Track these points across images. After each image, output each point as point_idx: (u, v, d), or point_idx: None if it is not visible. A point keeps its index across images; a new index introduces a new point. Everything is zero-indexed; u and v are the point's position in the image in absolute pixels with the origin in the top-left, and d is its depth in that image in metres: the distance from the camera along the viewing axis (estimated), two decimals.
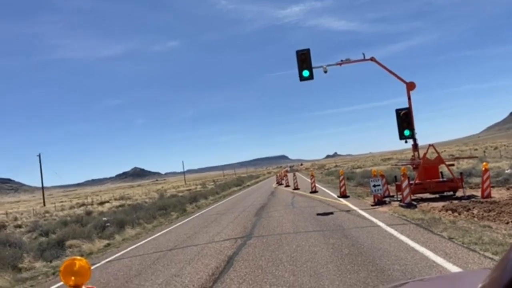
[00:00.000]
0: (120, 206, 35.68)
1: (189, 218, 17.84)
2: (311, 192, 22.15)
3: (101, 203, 50.99)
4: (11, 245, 14.92)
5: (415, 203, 12.79)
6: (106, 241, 14.44)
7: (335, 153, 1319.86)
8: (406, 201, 12.65)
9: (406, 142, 14.98)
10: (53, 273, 9.47)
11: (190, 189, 56.36)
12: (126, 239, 14.11)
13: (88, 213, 33.03)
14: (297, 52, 14.95)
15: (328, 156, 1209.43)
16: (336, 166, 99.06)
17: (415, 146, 15.07)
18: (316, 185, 24.28)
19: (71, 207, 51.26)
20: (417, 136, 14.98)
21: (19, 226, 30.94)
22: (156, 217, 20.14)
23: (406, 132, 14.81)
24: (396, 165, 32.55)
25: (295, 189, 27.11)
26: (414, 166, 15.21)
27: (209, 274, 6.62)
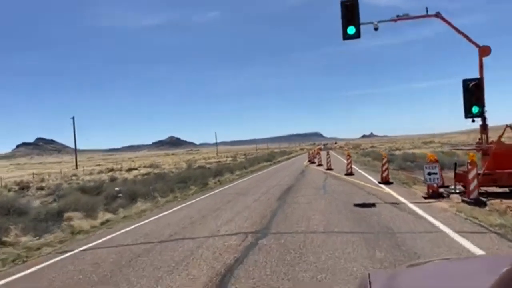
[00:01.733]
0: (146, 174, 34.48)
1: (204, 196, 15.78)
2: (346, 174, 19.47)
3: (129, 170, 50.50)
4: (14, 211, 13.57)
5: (483, 199, 9.96)
6: (108, 216, 12.65)
7: (371, 133, 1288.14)
8: (472, 196, 9.83)
9: (473, 121, 11.92)
10: (25, 259, 7.53)
11: (219, 161, 54.79)
12: (129, 216, 12.21)
13: (113, 180, 32.03)
14: (342, 2, 12.04)
15: (364, 136, 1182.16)
16: (372, 146, 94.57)
17: (484, 127, 12.01)
18: (353, 166, 21.55)
19: (100, 172, 51.14)
20: (487, 115, 11.94)
21: (42, 188, 30.36)
22: (174, 190, 18.30)
23: (475, 109, 11.71)
24: (456, 149, 28.87)
25: (328, 169, 24.52)
26: (481, 151, 12.18)
27: None
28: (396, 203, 10.13)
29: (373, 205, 10.06)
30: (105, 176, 39.81)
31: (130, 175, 35.08)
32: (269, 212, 9.98)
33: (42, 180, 38.69)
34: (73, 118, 62.15)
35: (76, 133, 63.40)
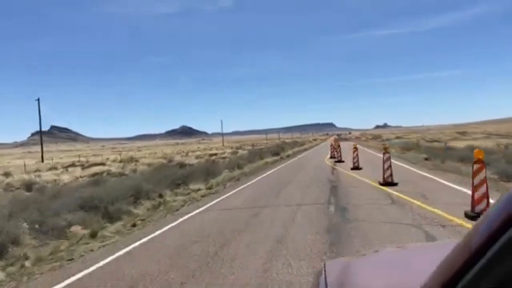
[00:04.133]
0: (90, 175, 23.79)
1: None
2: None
3: (84, 166, 40.14)
4: None
5: None
6: None
7: (385, 123, 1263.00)
8: None
9: None
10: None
11: (214, 154, 44.01)
12: None
13: (28, 187, 20.84)
14: None
15: (377, 127, 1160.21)
16: (398, 137, 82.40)
17: None
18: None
19: (63, 167, 40.73)
20: None
21: None
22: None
23: None
24: None
25: (354, 168, 16.43)
26: None
27: None
28: None
29: None
30: (50, 175, 29.30)
31: (59, 177, 24.32)
32: None
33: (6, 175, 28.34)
34: (38, 99, 51.63)
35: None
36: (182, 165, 27.65)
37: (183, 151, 67.03)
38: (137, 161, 41.45)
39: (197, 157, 37.47)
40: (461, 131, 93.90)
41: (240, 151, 56.55)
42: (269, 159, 29.85)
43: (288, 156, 35.56)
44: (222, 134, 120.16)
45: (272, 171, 20.75)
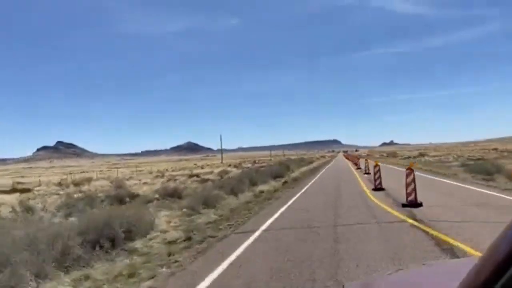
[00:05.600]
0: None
1: None
2: None
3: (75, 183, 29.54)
4: None
5: None
6: None
7: (391, 141, 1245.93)
8: None
9: None
10: None
11: (196, 175, 33.19)
12: None
13: None
14: None
15: (384, 144, 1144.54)
16: (421, 155, 70.81)
17: None
18: None
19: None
20: None
21: None
22: None
23: None
24: None
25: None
26: None
27: None
28: None
29: None
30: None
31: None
32: None
33: None
34: None
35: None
36: (133, 196, 16.89)
37: (167, 169, 56.47)
38: (88, 182, 30.50)
39: (164, 182, 26.33)
40: (486, 148, 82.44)
41: (234, 169, 45.63)
42: (266, 187, 18.86)
43: (295, 180, 24.46)
44: (222, 151, 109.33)
45: (264, 226, 9.54)
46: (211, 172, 36.52)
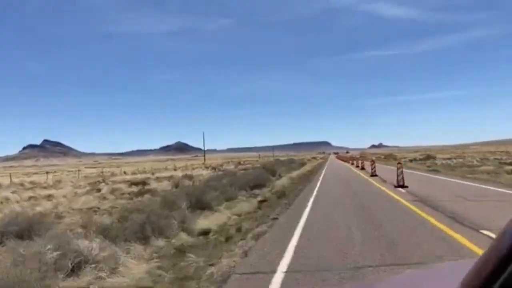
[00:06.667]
0: None
1: None
2: None
3: None
4: None
5: None
6: None
7: (380, 143, 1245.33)
8: None
9: None
10: None
11: (143, 184, 23.80)
12: None
13: None
14: None
15: (373, 146, 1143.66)
16: (429, 157, 62.21)
17: None
18: None
19: None
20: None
21: None
22: None
23: None
24: None
25: None
26: None
27: None
28: None
29: None
30: None
31: None
32: None
33: None
34: None
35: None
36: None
37: (136, 171, 47.14)
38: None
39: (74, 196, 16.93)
40: (488, 151, 74.60)
41: (210, 172, 36.45)
42: (220, 218, 9.74)
43: (281, 195, 15.03)
44: (204, 150, 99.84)
45: None
46: (170, 177, 27.06)
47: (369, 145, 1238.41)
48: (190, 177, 25.55)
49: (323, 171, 34.29)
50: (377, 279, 2.07)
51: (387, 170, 27.86)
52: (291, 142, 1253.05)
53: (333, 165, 51.31)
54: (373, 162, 27.89)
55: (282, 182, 20.33)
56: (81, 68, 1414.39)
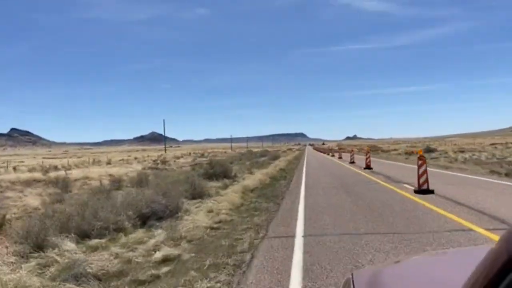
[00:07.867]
0: None
1: None
2: None
3: None
4: None
5: None
6: None
7: (355, 135, 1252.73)
8: None
9: None
10: None
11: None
12: None
13: None
14: None
15: (348, 138, 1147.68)
16: (430, 150, 52.25)
17: None
18: None
19: None
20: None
21: None
22: None
23: None
24: None
25: None
26: None
27: None
28: None
29: None
30: None
31: None
32: None
33: None
34: None
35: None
36: None
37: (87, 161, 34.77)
38: None
39: None
40: (464, 143, 66.11)
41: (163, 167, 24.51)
42: None
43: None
44: (165, 139, 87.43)
45: None
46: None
47: (344, 137, 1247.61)
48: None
49: (303, 170, 22.93)
50: (383, 266, 1.70)
51: (394, 167, 22.96)
52: (268, 133, 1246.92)
53: (316, 162, 40.19)
54: (368, 153, 23.61)
55: (242, 182, 9.11)
56: (53, 56, 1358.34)
